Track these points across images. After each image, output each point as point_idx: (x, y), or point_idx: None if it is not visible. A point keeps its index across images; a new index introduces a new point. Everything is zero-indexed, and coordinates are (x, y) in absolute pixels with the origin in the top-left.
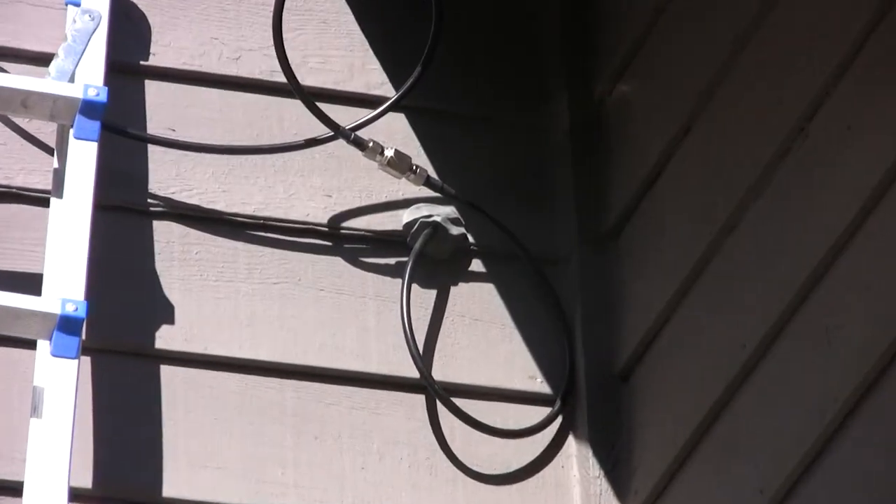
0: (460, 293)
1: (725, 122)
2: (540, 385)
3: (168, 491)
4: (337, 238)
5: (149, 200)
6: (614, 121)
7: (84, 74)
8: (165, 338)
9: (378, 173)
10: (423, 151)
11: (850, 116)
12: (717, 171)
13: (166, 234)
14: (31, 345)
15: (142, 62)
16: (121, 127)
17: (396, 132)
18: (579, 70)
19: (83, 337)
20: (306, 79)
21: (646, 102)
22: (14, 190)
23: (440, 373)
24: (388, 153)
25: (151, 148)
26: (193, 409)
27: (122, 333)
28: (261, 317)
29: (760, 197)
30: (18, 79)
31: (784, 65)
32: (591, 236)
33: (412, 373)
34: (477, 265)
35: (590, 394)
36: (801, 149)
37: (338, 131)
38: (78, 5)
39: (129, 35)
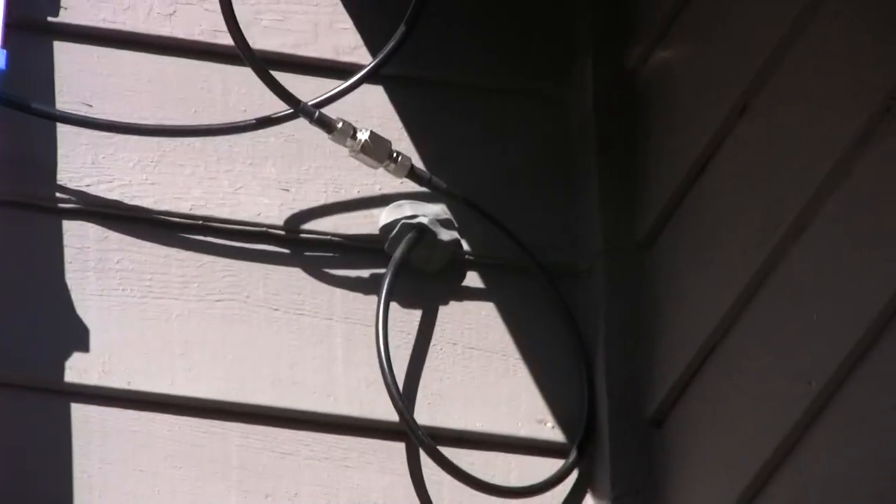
0: (452, 314)
1: (793, 98)
2: (551, 431)
3: None
4: (296, 244)
5: (57, 195)
6: (651, 96)
7: None
8: (78, 369)
9: (349, 162)
10: (406, 134)
11: None
12: (782, 159)
13: (79, 236)
14: None
15: (50, 18)
16: (23, 100)
17: (372, 109)
18: (608, 31)
19: None
20: (258, 41)
21: (692, 73)
22: None
23: (425, 415)
24: (362, 136)
25: (61, 128)
26: (112, 459)
27: (24, 363)
28: (199, 344)
29: (837, 189)
30: None
31: (871, 26)
32: (620, 243)
33: (390, 415)
34: (473, 279)
35: (614, 443)
36: (889, 131)
37: (298, 108)
38: None
39: None
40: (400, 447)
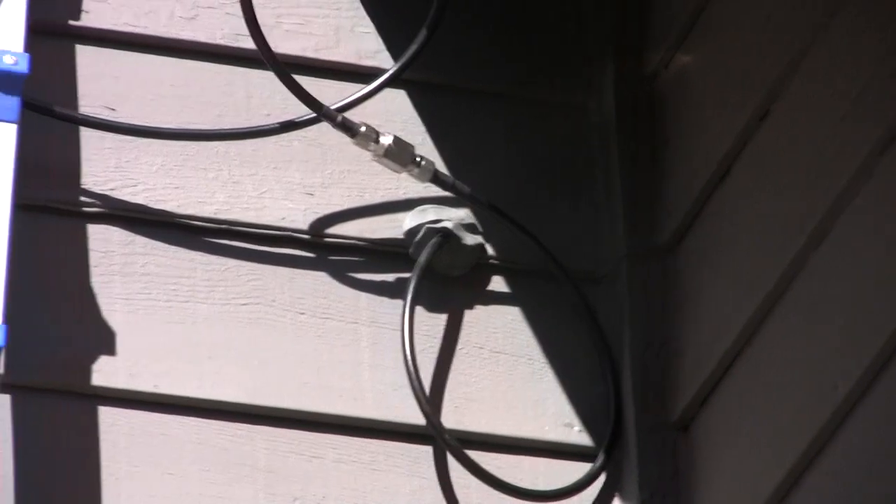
0: (477, 319)
1: (814, 103)
2: (578, 435)
3: None
4: (321, 248)
5: (81, 198)
6: (672, 100)
7: None
8: (105, 372)
9: (372, 166)
10: (429, 138)
11: None
12: (803, 164)
13: (105, 241)
14: None
15: (72, 22)
16: (46, 105)
17: (396, 114)
18: (629, 35)
19: (1, 370)
20: (280, 45)
21: (712, 78)
22: None
23: (452, 419)
24: (386, 141)
25: (84, 132)
26: (139, 462)
27: (51, 367)
28: (225, 347)
29: (858, 195)
30: None
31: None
32: (643, 248)
33: (417, 419)
34: (498, 284)
35: (640, 446)
36: None
37: (321, 112)
38: None
39: None
40: (427, 451)
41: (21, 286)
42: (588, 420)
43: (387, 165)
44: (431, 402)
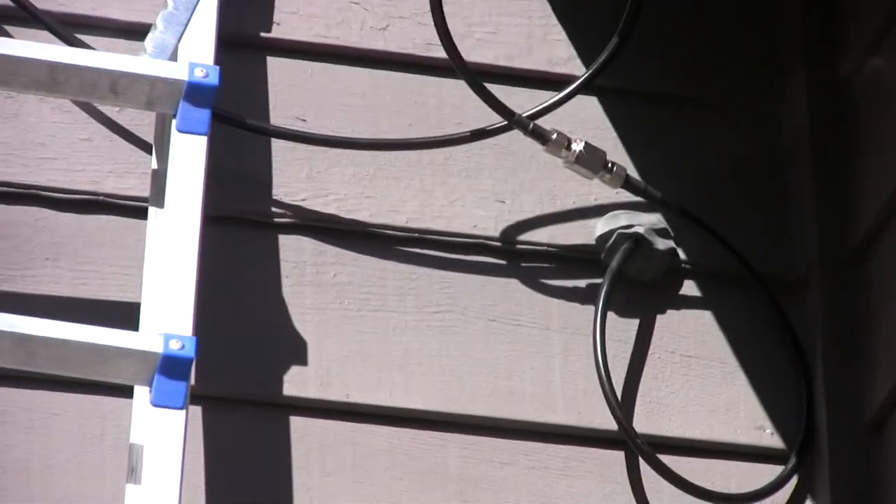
0: (669, 324)
1: None
2: (770, 438)
3: None
4: (512, 255)
5: (273, 209)
6: (866, 105)
7: (189, 50)
8: (296, 382)
9: (564, 173)
10: (620, 144)
11: None
12: None
13: (296, 251)
14: (126, 392)
15: (263, 34)
16: (237, 117)
17: (587, 120)
18: (821, 40)
19: (192, 382)
20: (472, 53)
21: None
22: (102, 198)
23: (644, 424)
24: (577, 147)
25: (276, 143)
26: (332, 471)
27: (242, 377)
28: (416, 355)
29: None
30: (105, 57)
31: None
32: (836, 253)
33: (609, 424)
34: (690, 288)
35: (833, 449)
36: None
37: (512, 120)
38: None
39: (246, 0)
40: (619, 456)
41: (213, 298)
42: (780, 423)
43: (578, 172)
44: (623, 407)
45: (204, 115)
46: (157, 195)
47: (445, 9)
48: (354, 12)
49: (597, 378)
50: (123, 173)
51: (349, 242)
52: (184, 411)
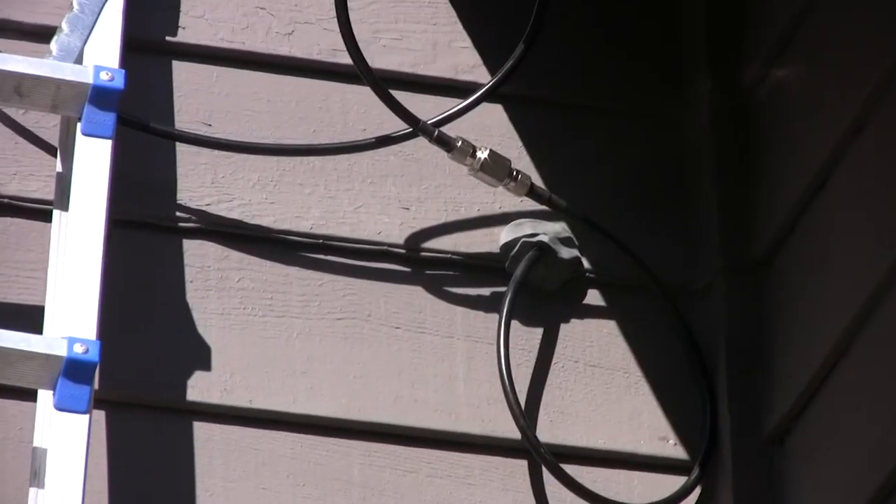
0: (573, 333)
1: None
2: (673, 448)
3: None
4: (417, 262)
5: (178, 214)
6: (768, 113)
7: (95, 54)
8: (200, 388)
9: (468, 180)
10: (525, 153)
11: None
12: None
13: (200, 256)
14: (30, 396)
15: (168, 38)
16: (142, 120)
17: (492, 128)
18: (725, 48)
19: (96, 386)
20: (377, 60)
21: (808, 91)
22: (6, 200)
23: (547, 433)
24: (482, 155)
25: (181, 147)
26: (235, 477)
27: (145, 382)
28: (320, 362)
29: None
30: (10, 59)
31: None
32: (739, 261)
33: (512, 432)
34: (594, 297)
35: (736, 459)
36: None
37: (418, 127)
38: None
39: (152, 4)
40: (522, 465)
41: (116, 302)
42: (683, 433)
43: (483, 180)
44: (527, 415)
45: (109, 118)
46: (62, 198)
47: (351, 15)
48: (260, 17)
49: (500, 386)
50: (28, 176)
51: (253, 248)
52: (87, 415)
